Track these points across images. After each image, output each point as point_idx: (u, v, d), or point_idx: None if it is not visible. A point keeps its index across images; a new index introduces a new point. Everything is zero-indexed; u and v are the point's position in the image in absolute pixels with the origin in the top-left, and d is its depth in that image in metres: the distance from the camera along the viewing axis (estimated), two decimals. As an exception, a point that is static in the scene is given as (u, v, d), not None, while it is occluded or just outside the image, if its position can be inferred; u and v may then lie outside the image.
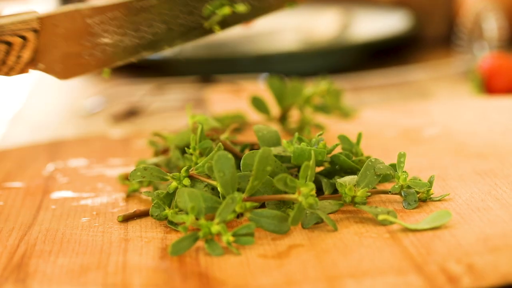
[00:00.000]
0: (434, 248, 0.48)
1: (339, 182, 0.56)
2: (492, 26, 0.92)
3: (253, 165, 0.52)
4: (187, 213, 0.51)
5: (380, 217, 0.52)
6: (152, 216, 0.57)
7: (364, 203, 0.55)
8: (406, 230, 0.51)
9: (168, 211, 0.56)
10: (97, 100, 0.99)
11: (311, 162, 0.52)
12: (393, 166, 0.57)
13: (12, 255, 0.52)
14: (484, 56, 0.91)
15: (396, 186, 0.56)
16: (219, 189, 0.53)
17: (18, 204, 0.62)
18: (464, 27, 0.98)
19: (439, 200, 0.56)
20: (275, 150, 0.58)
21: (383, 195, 0.58)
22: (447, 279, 0.45)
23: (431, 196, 0.56)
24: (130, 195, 0.62)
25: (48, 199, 0.62)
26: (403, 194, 0.56)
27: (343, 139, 0.61)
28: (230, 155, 0.53)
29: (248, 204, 0.53)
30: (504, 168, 0.61)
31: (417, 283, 0.44)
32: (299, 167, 0.56)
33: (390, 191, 0.56)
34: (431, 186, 0.56)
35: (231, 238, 0.50)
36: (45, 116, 0.99)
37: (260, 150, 0.52)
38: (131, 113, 0.94)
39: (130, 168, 0.66)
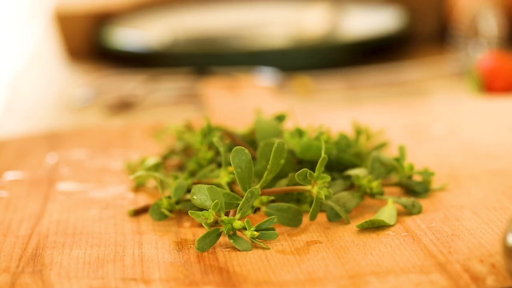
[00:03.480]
0: (455, 247, 0.48)
1: (354, 175, 0.55)
2: (491, 24, 0.92)
3: (269, 157, 0.52)
4: (200, 210, 0.51)
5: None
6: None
7: (382, 194, 0.55)
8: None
9: (164, 201, 0.55)
10: (87, 92, 0.98)
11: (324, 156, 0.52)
12: (396, 160, 0.57)
13: (25, 246, 0.51)
14: (482, 55, 0.91)
15: (403, 176, 0.56)
16: (238, 183, 0.52)
17: (24, 195, 0.60)
18: (460, 25, 0.99)
19: (440, 189, 0.57)
20: None
21: (386, 189, 0.57)
22: (471, 278, 0.44)
23: (433, 186, 0.57)
24: (138, 187, 0.62)
25: (54, 190, 0.61)
26: (411, 185, 0.57)
27: (341, 137, 0.60)
28: (246, 150, 0.52)
29: (265, 198, 0.53)
30: (515, 168, 0.61)
31: (442, 282, 0.44)
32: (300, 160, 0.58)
33: (399, 183, 0.57)
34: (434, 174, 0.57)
35: (256, 233, 0.50)
36: (36, 108, 0.97)
37: (275, 143, 0.52)
38: (125, 106, 0.93)
39: (135, 159, 0.66)
